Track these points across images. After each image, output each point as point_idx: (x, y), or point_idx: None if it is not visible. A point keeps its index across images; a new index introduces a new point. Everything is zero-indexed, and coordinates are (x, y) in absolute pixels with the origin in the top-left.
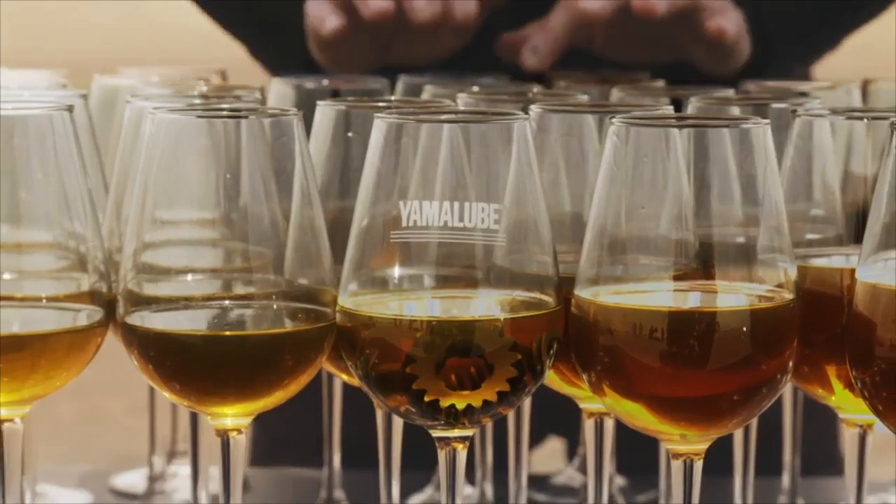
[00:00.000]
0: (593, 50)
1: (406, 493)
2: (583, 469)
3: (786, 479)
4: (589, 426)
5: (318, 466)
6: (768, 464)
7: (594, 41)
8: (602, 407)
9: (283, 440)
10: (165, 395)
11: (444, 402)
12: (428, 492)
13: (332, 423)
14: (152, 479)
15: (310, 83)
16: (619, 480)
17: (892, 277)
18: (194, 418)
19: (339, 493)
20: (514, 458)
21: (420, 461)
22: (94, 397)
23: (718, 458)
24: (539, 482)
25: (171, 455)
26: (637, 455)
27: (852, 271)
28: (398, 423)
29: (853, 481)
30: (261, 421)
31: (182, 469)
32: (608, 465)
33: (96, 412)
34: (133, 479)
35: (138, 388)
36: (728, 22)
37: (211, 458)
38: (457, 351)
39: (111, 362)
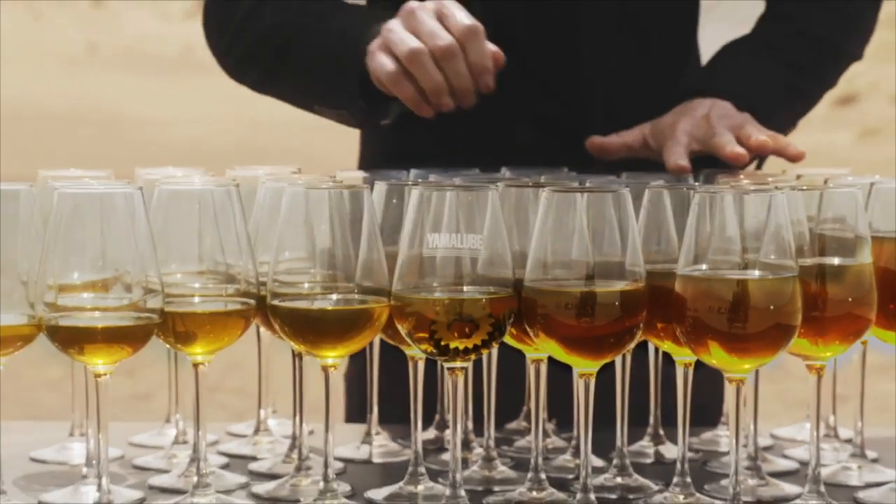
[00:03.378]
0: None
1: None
2: (526, 419)
3: (651, 419)
4: (531, 370)
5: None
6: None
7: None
8: (539, 355)
9: None
10: (294, 347)
11: (452, 345)
12: (432, 431)
13: (372, 386)
14: (258, 426)
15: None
16: (550, 425)
17: (692, 273)
18: (300, 376)
19: (377, 429)
20: (486, 410)
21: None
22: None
23: (609, 413)
24: (499, 427)
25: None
26: (563, 411)
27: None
28: (420, 381)
29: (681, 405)
30: None
31: (273, 423)
32: (543, 396)
33: None
34: (241, 428)
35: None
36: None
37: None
38: (459, 317)
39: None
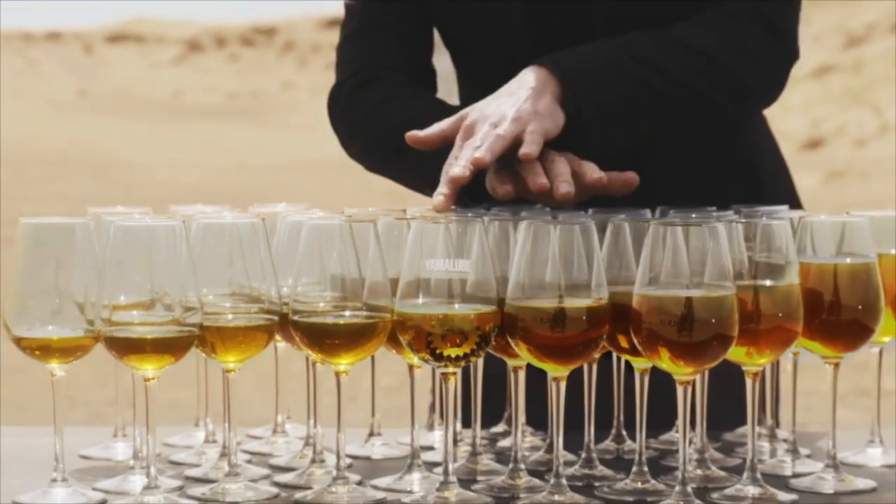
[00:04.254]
0: None
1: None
2: (507, 424)
3: (615, 421)
4: (512, 376)
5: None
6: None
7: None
8: (518, 363)
9: None
10: (311, 356)
11: (446, 353)
12: (423, 431)
13: (374, 393)
14: (275, 428)
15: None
16: (528, 428)
17: (647, 291)
18: (314, 383)
19: (378, 430)
20: (473, 412)
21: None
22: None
23: (580, 419)
24: (485, 430)
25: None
26: (540, 415)
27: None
28: (417, 386)
29: (639, 406)
30: None
31: (288, 426)
32: (522, 399)
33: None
34: (259, 431)
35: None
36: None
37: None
38: (451, 330)
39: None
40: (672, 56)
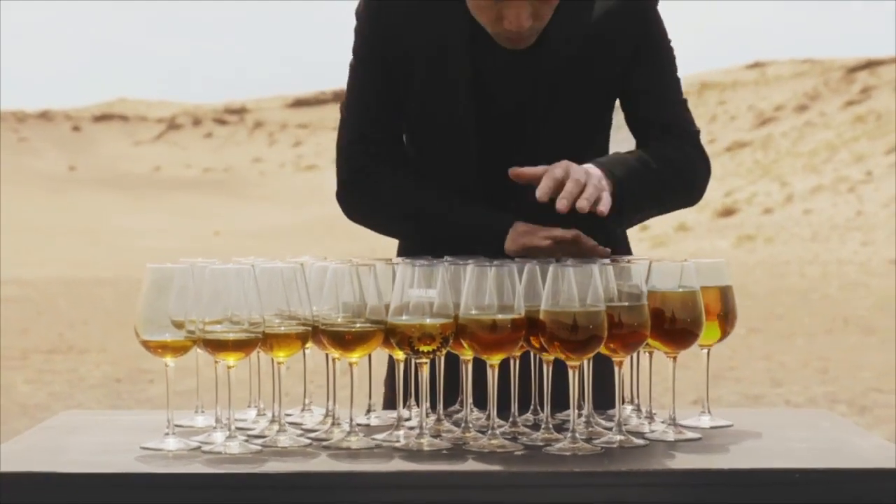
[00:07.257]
0: None
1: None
2: (460, 405)
3: (533, 401)
4: (462, 368)
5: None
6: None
7: None
8: (467, 357)
9: None
10: (333, 354)
11: (421, 349)
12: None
13: (370, 380)
14: (303, 408)
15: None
16: (475, 408)
17: (549, 308)
18: (334, 374)
19: (374, 407)
20: (437, 397)
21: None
22: None
23: (508, 400)
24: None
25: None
26: (480, 399)
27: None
28: (400, 376)
29: (546, 387)
30: None
31: (314, 407)
32: (470, 386)
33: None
34: (292, 411)
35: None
36: None
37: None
38: (424, 334)
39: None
40: (668, 172)
